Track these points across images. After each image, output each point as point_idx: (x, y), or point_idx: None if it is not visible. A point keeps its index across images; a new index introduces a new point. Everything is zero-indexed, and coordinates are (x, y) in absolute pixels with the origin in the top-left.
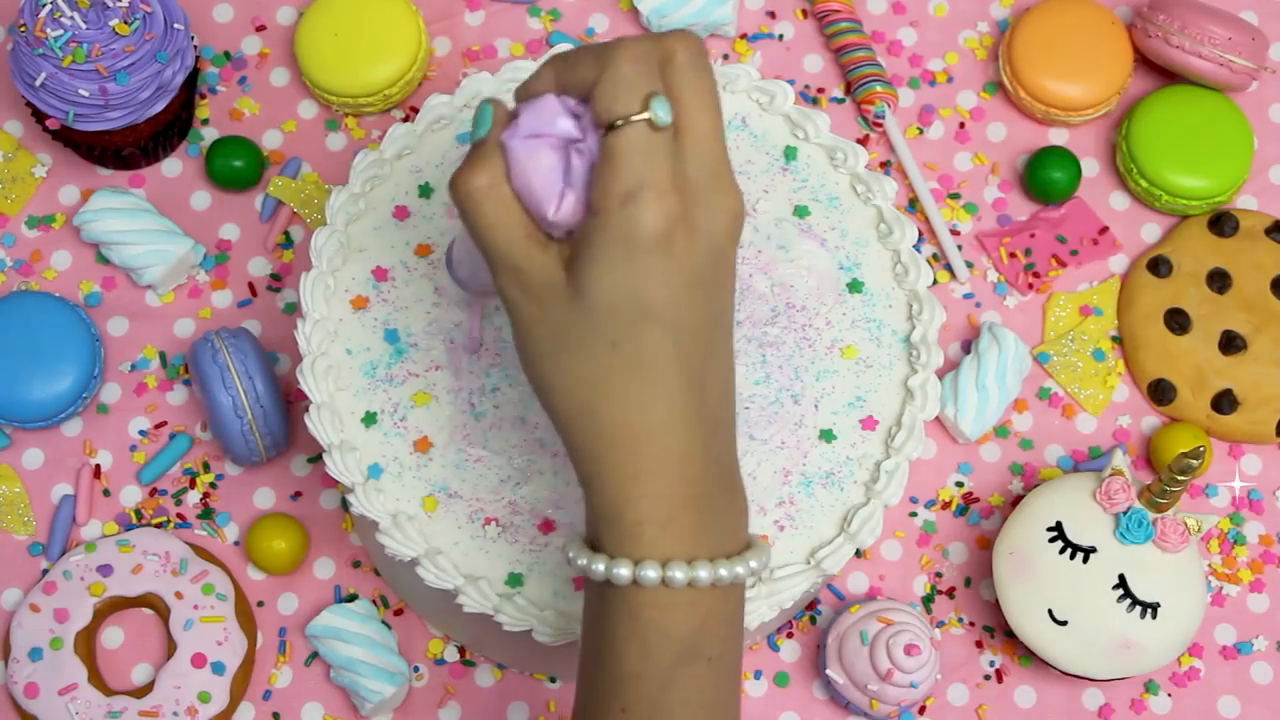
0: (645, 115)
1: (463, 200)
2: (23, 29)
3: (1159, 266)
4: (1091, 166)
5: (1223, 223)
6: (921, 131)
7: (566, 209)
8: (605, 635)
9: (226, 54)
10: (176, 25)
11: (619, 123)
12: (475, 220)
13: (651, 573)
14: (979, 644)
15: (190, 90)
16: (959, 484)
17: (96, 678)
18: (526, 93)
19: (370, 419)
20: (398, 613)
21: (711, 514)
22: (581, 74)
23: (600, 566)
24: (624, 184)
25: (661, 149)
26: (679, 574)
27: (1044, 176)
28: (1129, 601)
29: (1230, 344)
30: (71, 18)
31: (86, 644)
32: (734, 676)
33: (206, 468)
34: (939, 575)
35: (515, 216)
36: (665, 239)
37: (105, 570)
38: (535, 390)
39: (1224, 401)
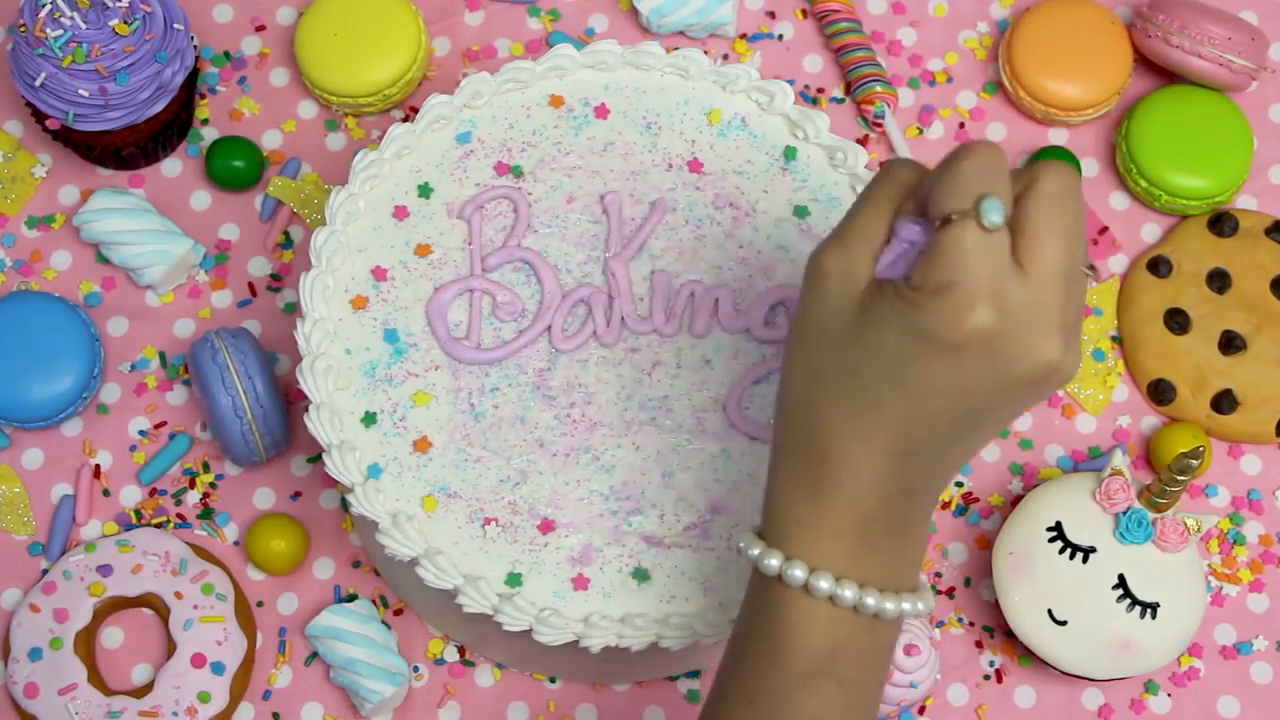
0: (974, 212)
1: (881, 171)
2: (23, 29)
3: (1159, 266)
4: (1091, 166)
5: (1222, 223)
6: (921, 131)
7: (888, 273)
8: (750, 622)
9: (226, 54)
10: (176, 25)
11: (952, 217)
12: (870, 188)
13: (799, 572)
14: (979, 644)
15: (190, 90)
16: (959, 484)
17: (96, 678)
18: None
19: (370, 419)
20: (398, 613)
21: (872, 547)
22: (931, 181)
23: (756, 551)
24: (940, 275)
25: (989, 254)
26: (824, 584)
27: None
28: (1129, 601)
29: (1230, 344)
30: (71, 18)
31: (86, 644)
32: (866, 709)
33: (206, 468)
34: (939, 575)
35: (887, 216)
36: (957, 347)
37: (105, 570)
38: (784, 361)
39: (1224, 401)
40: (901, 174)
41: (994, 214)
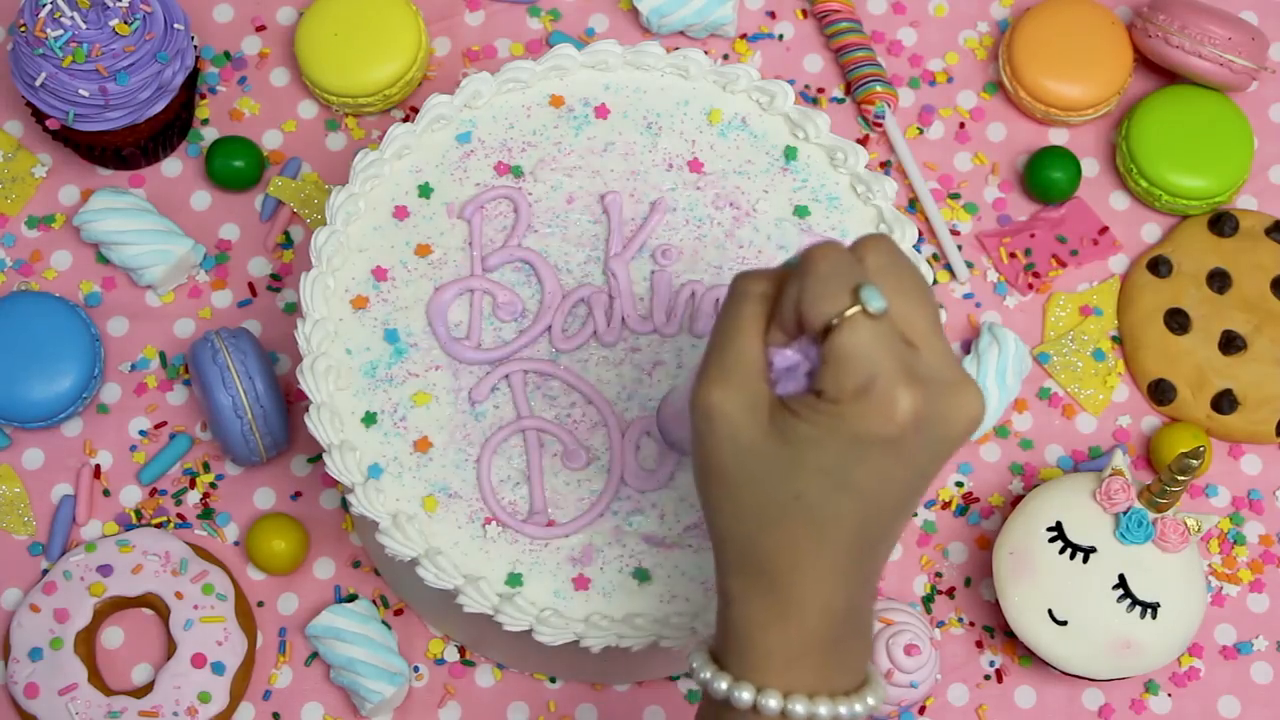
0: (858, 307)
1: (734, 291)
2: (23, 29)
3: (1159, 266)
4: (1091, 166)
5: (1223, 223)
6: (921, 131)
7: (783, 391)
8: None
9: (226, 54)
10: (176, 25)
11: (834, 322)
12: (731, 311)
13: (773, 702)
14: (979, 644)
15: (190, 90)
16: (959, 484)
17: (96, 678)
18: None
19: (370, 419)
20: (398, 613)
21: (840, 656)
22: (788, 301)
23: (723, 685)
24: (855, 378)
25: (887, 340)
26: (799, 708)
27: (1044, 176)
28: (1129, 601)
29: (1230, 344)
30: (71, 18)
31: (86, 644)
32: None
33: (206, 468)
34: (939, 575)
35: (759, 335)
36: (897, 438)
37: (105, 570)
38: (700, 500)
39: (1224, 401)
40: (756, 287)
41: (876, 300)
